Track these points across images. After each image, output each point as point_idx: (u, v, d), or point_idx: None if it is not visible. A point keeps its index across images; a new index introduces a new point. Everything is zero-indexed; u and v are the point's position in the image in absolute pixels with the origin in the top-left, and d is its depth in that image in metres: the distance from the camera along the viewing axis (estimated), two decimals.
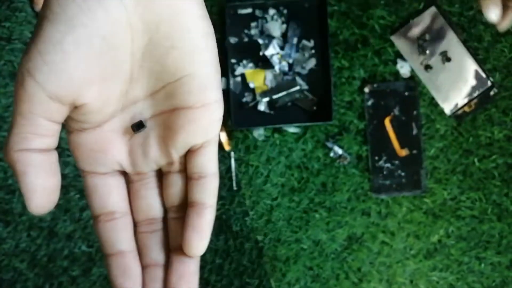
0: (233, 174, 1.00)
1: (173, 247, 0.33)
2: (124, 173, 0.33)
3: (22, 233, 1.00)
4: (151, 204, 0.33)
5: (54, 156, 0.30)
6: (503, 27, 0.67)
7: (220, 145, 1.00)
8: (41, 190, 0.29)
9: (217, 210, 1.01)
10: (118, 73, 0.29)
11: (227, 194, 1.01)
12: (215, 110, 0.31)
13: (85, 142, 0.31)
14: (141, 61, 0.30)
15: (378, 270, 1.02)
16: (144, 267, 0.32)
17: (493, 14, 0.64)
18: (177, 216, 0.33)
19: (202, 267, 1.01)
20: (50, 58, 0.27)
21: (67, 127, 0.32)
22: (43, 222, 1.00)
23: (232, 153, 1.01)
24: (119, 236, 0.32)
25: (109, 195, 0.32)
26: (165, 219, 0.33)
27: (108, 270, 0.32)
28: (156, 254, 0.33)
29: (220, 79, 0.31)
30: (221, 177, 1.01)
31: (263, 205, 1.01)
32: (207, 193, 0.32)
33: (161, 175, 0.34)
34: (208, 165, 0.32)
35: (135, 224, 0.33)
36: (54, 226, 1.00)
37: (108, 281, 1.01)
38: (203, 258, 1.01)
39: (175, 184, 0.33)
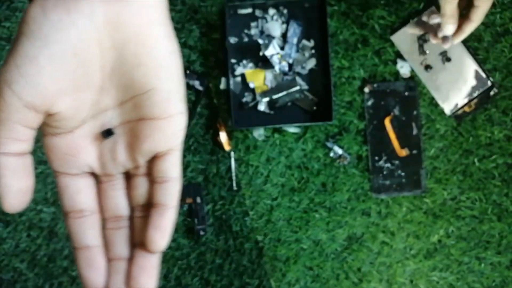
0: (233, 174, 1.00)
1: (137, 242, 0.36)
2: (94, 174, 0.36)
3: (22, 233, 1.00)
4: (118, 203, 0.36)
5: (29, 159, 0.33)
6: (453, 43, 0.86)
7: (220, 145, 1.00)
8: (16, 191, 0.32)
9: (217, 210, 1.01)
10: (89, 84, 0.32)
11: (227, 194, 1.01)
12: (178, 121, 0.34)
13: (58, 145, 0.34)
14: (110, 74, 0.33)
15: (378, 270, 1.02)
16: (109, 260, 0.36)
17: (449, 31, 0.84)
18: (142, 215, 0.36)
19: (202, 267, 1.01)
20: (26, 71, 0.30)
21: (42, 131, 0.34)
22: (43, 222, 1.00)
23: (232, 153, 1.01)
24: (87, 232, 0.35)
25: (79, 194, 0.35)
26: (131, 217, 0.36)
27: (76, 262, 0.35)
28: (121, 248, 0.36)
29: (184, 93, 0.34)
30: (221, 177, 1.01)
31: (263, 205, 1.01)
32: (170, 196, 0.35)
33: (128, 176, 0.36)
34: (171, 171, 0.35)
35: (103, 221, 0.36)
36: (54, 226, 1.00)
37: None
38: (203, 258, 1.01)
39: (141, 186, 0.36)
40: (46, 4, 0.30)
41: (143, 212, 0.36)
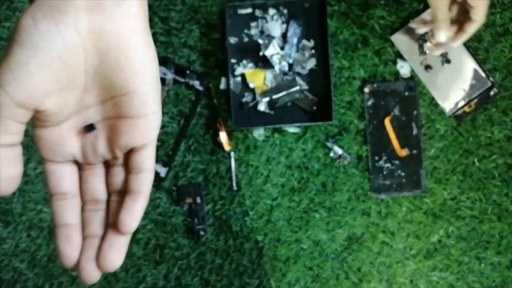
0: (233, 174, 1.00)
1: (111, 223, 0.40)
2: (76, 162, 0.41)
3: (22, 233, 1.00)
4: (97, 188, 0.41)
5: (19, 149, 0.37)
6: (455, 44, 0.85)
7: (220, 145, 1.00)
8: (6, 177, 0.36)
9: (217, 210, 1.01)
10: (73, 86, 0.37)
11: (227, 194, 1.01)
12: (153, 120, 0.38)
13: (47, 136, 0.39)
14: (93, 77, 0.37)
15: (378, 270, 1.02)
16: (84, 238, 0.40)
17: (442, 38, 0.82)
18: (118, 200, 0.40)
19: (202, 267, 1.01)
20: (18, 75, 0.35)
21: (32, 124, 0.38)
22: (43, 222, 1.00)
23: (232, 153, 1.01)
24: (67, 212, 0.40)
25: (63, 180, 0.40)
26: (107, 201, 0.41)
27: (55, 238, 0.39)
28: (96, 228, 0.40)
29: (159, 95, 0.38)
30: (221, 177, 1.01)
31: (263, 205, 1.01)
32: (143, 185, 0.40)
33: (108, 165, 0.41)
34: (145, 163, 0.40)
35: (83, 203, 0.41)
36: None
37: (108, 281, 1.01)
38: (203, 258, 1.01)
39: (118, 175, 0.40)
40: (36, 15, 0.34)
41: (118, 198, 0.40)
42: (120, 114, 0.38)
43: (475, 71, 1.00)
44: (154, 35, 1.00)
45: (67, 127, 0.39)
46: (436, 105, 1.00)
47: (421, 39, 0.99)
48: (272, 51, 0.98)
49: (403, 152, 1.00)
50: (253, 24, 1.00)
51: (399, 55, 1.00)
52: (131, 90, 0.37)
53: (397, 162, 1.00)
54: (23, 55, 0.34)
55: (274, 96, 0.99)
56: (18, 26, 0.35)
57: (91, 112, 0.39)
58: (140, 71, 0.37)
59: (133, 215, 0.39)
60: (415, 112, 1.00)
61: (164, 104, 1.00)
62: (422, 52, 0.99)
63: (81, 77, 0.37)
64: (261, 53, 0.98)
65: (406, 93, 1.00)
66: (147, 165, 0.39)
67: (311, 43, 1.00)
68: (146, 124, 0.38)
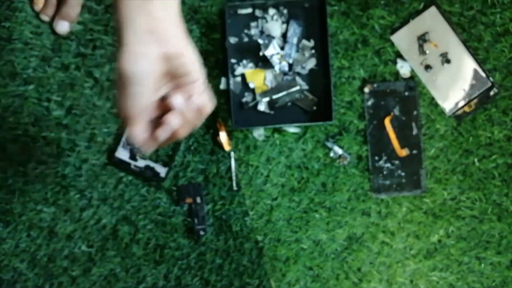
0: (233, 174, 1.00)
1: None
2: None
3: (22, 233, 1.00)
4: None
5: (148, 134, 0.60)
6: None
7: (220, 145, 1.00)
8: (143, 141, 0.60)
9: (217, 210, 1.01)
10: (153, 84, 0.58)
11: (227, 194, 1.01)
12: (202, 81, 0.60)
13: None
14: (162, 75, 0.58)
15: (378, 270, 1.02)
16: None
17: None
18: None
19: (202, 267, 1.01)
20: (137, 98, 0.58)
21: None
22: (43, 222, 1.00)
23: (232, 153, 1.01)
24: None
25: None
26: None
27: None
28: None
29: (202, 69, 0.60)
30: (221, 177, 1.01)
31: (263, 205, 1.01)
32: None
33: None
34: (205, 102, 0.61)
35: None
36: (54, 226, 1.00)
37: (108, 281, 1.01)
38: (203, 258, 1.01)
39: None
40: (129, 60, 0.56)
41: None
42: (183, 84, 0.59)
43: (475, 71, 1.00)
44: None
45: (150, 101, 0.60)
46: (436, 105, 1.00)
47: (421, 39, 0.99)
48: (272, 51, 0.98)
49: (403, 152, 1.00)
50: (253, 24, 1.00)
51: (399, 55, 1.00)
52: (189, 73, 0.59)
53: (397, 162, 1.00)
54: (133, 89, 0.56)
55: (274, 96, 0.99)
56: (121, 71, 0.56)
57: (163, 89, 0.59)
58: (193, 61, 0.59)
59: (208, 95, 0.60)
60: (415, 112, 1.00)
61: None
62: (422, 52, 0.99)
63: (155, 77, 0.58)
64: (261, 53, 0.98)
65: (406, 93, 1.00)
66: (205, 102, 0.60)
67: (311, 43, 1.00)
68: (200, 84, 0.60)
